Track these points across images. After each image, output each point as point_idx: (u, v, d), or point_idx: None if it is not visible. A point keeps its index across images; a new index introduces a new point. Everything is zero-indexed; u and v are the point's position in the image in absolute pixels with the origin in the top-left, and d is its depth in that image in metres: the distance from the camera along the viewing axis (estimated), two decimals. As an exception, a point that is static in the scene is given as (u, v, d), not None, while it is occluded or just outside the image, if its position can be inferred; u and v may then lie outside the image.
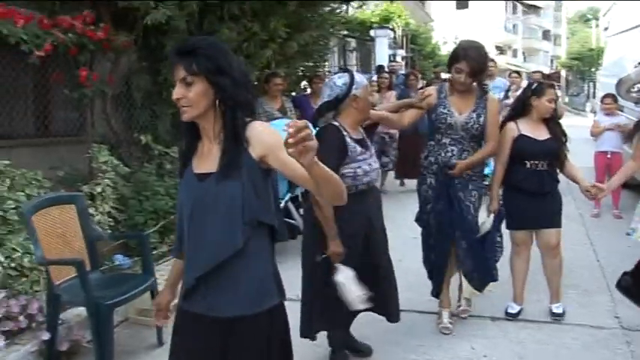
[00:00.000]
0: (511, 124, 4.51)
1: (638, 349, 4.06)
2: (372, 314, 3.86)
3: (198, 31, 6.20)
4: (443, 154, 4.21)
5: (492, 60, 13.32)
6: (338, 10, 9.10)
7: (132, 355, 4.13)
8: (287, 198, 5.88)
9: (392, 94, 9.44)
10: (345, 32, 18.30)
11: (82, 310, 4.24)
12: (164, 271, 4.95)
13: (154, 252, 5.41)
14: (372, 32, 18.92)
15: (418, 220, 4.48)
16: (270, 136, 2.05)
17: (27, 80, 5.88)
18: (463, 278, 4.52)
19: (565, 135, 4.55)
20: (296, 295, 4.82)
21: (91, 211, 5.10)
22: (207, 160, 2.13)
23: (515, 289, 4.73)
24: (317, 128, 3.65)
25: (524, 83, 9.74)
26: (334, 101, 3.57)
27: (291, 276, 5.28)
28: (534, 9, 68.33)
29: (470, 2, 57.28)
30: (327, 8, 8.46)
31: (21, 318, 3.96)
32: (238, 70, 2.11)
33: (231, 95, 2.06)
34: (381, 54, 18.56)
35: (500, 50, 60.95)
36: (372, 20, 20.39)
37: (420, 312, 4.74)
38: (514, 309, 4.68)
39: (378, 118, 4.24)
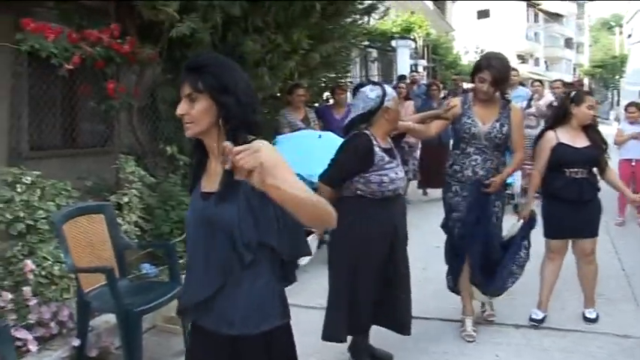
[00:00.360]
0: (550, 133, 4.57)
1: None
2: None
3: (222, 43, 6.30)
4: (467, 163, 4.33)
5: (514, 69, 13.32)
6: (360, 22, 9.16)
7: (159, 362, 4.21)
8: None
9: (410, 104, 9.48)
10: (367, 43, 18.40)
11: (110, 318, 4.32)
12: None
13: (180, 261, 5.49)
14: (393, 43, 18.96)
15: (444, 226, 4.57)
16: (264, 156, 1.94)
17: (56, 93, 6.00)
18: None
19: (605, 142, 4.59)
20: (319, 303, 4.91)
21: (119, 220, 5.19)
22: (213, 178, 2.11)
23: (541, 296, 4.74)
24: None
25: (547, 92, 9.77)
26: (367, 114, 3.76)
27: (315, 284, 5.40)
28: (556, 17, 67.92)
29: (491, 11, 57.35)
30: (349, 20, 8.53)
31: (52, 324, 4.06)
32: (245, 89, 2.10)
33: (235, 114, 2.05)
34: (403, 64, 18.60)
35: (522, 59, 60.65)
36: (394, 31, 20.45)
37: (444, 320, 4.78)
38: (538, 315, 4.68)
39: (405, 129, 4.36)
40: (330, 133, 6.38)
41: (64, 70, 5.18)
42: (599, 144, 4.56)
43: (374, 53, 19.13)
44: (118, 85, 5.74)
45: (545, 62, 66.42)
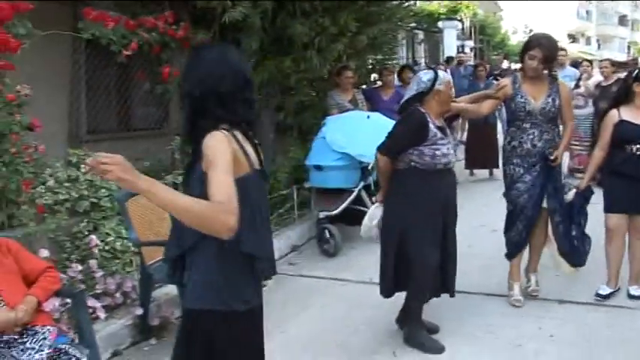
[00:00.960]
0: (613, 111, 4.68)
1: None
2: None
3: (272, 27, 6.48)
4: (525, 138, 4.57)
5: (563, 49, 13.20)
6: (406, 4, 9.23)
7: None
8: (360, 186, 6.11)
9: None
10: (413, 24, 18.38)
11: (170, 290, 4.58)
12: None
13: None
14: (439, 24, 18.90)
15: (506, 195, 4.79)
16: (208, 149, 2.04)
17: (112, 79, 6.29)
18: (556, 256, 4.69)
19: None
20: (369, 278, 5.11)
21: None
22: None
23: (609, 272, 4.82)
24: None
25: (596, 72, 9.68)
26: (418, 95, 4.08)
27: (363, 260, 5.60)
28: (610, -6, 66.07)
29: (541, -10, 56.10)
30: (395, 2, 8.62)
31: (117, 295, 4.35)
32: (200, 79, 2.17)
33: (187, 103, 2.20)
34: (450, 45, 18.56)
35: (573, 38, 59.33)
36: (440, 12, 20.38)
37: (488, 294, 4.90)
38: (605, 290, 4.77)
39: (458, 110, 4.62)
40: (378, 114, 6.51)
41: (122, 57, 5.44)
42: None
43: (420, 35, 19.12)
44: (172, 69, 5.98)
45: (598, 41, 64.78)
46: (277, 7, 6.40)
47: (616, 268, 4.80)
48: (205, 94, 2.15)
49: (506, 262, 4.83)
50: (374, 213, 4.28)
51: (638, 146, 4.55)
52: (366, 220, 4.31)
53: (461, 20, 20.46)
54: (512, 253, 4.79)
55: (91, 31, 5.16)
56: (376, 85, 8.36)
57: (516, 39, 39.34)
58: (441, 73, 4.24)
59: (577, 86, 9.33)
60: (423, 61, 17.62)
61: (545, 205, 4.61)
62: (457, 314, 4.47)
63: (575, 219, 4.60)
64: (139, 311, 4.27)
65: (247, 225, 2.10)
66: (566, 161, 9.26)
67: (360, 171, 6.06)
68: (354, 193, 6.04)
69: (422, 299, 4.14)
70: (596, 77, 9.16)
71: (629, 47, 65.98)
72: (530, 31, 45.28)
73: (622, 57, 59.75)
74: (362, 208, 6.06)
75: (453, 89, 4.17)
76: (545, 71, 4.61)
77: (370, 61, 8.40)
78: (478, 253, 5.63)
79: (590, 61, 10.35)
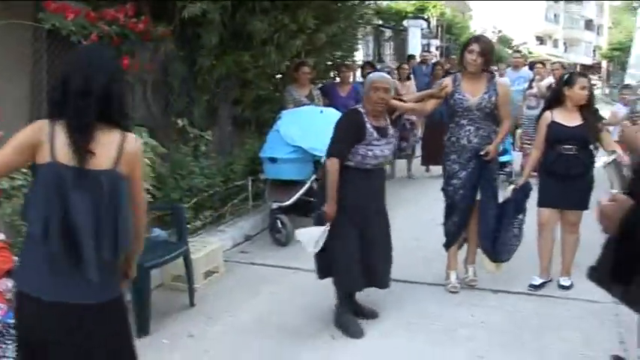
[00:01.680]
0: (546, 113, 4.98)
1: (625, 318, 4.37)
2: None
3: (231, 23, 6.65)
4: (462, 134, 4.83)
5: (518, 51, 13.58)
6: (367, 2, 9.44)
7: (166, 315, 4.61)
8: (312, 178, 6.32)
9: (411, 84, 9.88)
10: (380, 22, 18.63)
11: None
12: (197, 244, 5.45)
13: (189, 225, 5.92)
14: (405, 22, 19.18)
15: (443, 190, 5.03)
16: None
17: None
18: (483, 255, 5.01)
19: (599, 120, 4.93)
20: (311, 267, 5.31)
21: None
22: None
23: (540, 264, 5.12)
24: None
25: (548, 74, 10.03)
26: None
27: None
28: (577, -2, 67.22)
29: (510, -8, 56.78)
30: (355, 0, 8.82)
31: (70, 277, 4.49)
32: (66, 77, 2.32)
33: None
34: (414, 44, 18.84)
35: (541, 40, 60.29)
36: (408, 10, 20.66)
37: (429, 284, 5.16)
38: (536, 281, 5.06)
39: (403, 108, 4.75)
40: (331, 109, 6.69)
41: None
42: (591, 123, 4.88)
43: (388, 33, 19.38)
44: (132, 61, 6.12)
45: (565, 44, 65.86)
46: (237, 4, 6.55)
47: (547, 260, 5.09)
48: (55, 86, 2.38)
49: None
50: (321, 236, 4.18)
51: (566, 146, 4.82)
52: (308, 242, 4.24)
53: (427, 19, 20.76)
54: (448, 242, 5.09)
55: (51, 22, 5.29)
56: (335, 82, 8.56)
57: (485, 39, 39.90)
58: (373, 75, 4.52)
59: (530, 87, 9.68)
60: (388, 58, 17.87)
61: (478, 198, 4.88)
62: (397, 302, 4.72)
63: (509, 215, 4.84)
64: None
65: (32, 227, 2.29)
66: (518, 161, 9.63)
67: (312, 164, 6.27)
68: (307, 185, 6.25)
69: (344, 288, 4.32)
70: (548, 79, 9.49)
71: (594, 51, 67.30)
72: (499, 31, 45.96)
73: (588, 60, 61.07)
74: (314, 200, 6.30)
75: (385, 90, 4.24)
76: (484, 71, 4.86)
77: (329, 57, 8.57)
78: (423, 246, 5.89)
79: (544, 64, 10.68)
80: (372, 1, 9.81)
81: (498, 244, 4.89)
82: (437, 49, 21.74)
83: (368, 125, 4.19)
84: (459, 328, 4.35)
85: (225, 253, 5.83)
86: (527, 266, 5.17)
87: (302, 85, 7.27)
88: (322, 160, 6.15)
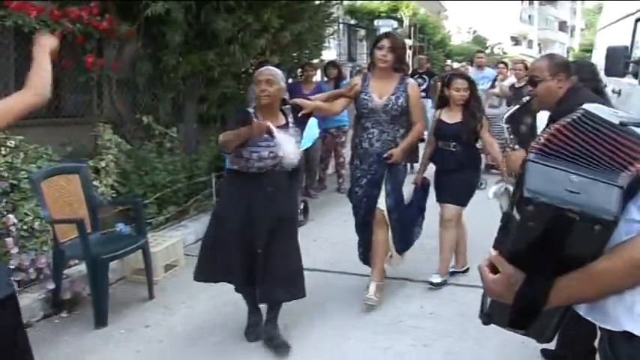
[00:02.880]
0: (437, 112, 5.21)
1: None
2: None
3: (196, 22, 6.77)
4: (365, 136, 4.62)
5: (481, 51, 13.82)
6: (333, 2, 9.58)
7: (125, 307, 4.73)
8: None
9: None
10: (353, 22, 18.82)
11: (82, 267, 4.83)
12: (159, 239, 5.58)
13: (152, 220, 6.04)
14: (375, 22, 19.37)
15: (349, 195, 4.91)
16: None
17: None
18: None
19: (478, 119, 5.01)
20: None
21: (96, 183, 5.72)
22: None
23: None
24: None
25: (511, 74, 10.27)
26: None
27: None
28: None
29: (485, -8, 57.25)
30: (322, 0, 8.97)
31: (31, 270, 4.59)
32: None
33: None
34: (386, 43, 18.99)
35: (516, 41, 60.91)
36: (381, 10, 20.86)
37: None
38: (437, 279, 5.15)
39: (311, 107, 4.22)
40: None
41: (46, 45, 5.65)
42: (468, 121, 5.01)
43: (362, 32, 19.58)
44: (96, 59, 6.23)
45: (539, 45, 66.58)
46: (201, 3, 6.67)
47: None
48: None
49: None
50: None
51: (445, 142, 5.02)
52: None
53: (400, 19, 20.97)
54: (365, 256, 4.97)
55: (13, 19, 5.38)
56: (299, 80, 8.70)
57: (459, 39, 40.29)
58: (264, 69, 4.00)
59: (492, 87, 9.92)
60: (362, 57, 18.04)
61: (383, 206, 4.64)
62: (348, 295, 4.89)
63: (415, 215, 4.95)
64: (51, 285, 4.52)
65: None
66: (483, 158, 9.84)
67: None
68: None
69: (195, 276, 4.14)
70: (511, 79, 9.72)
71: (568, 52, 68.07)
72: (474, 32, 46.46)
73: (561, 61, 61.72)
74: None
75: (267, 82, 3.82)
76: (398, 72, 4.63)
77: (294, 56, 8.70)
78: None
79: (506, 64, 10.93)
80: (338, 1, 9.91)
81: (406, 240, 4.91)
82: (410, 48, 21.95)
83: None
84: (407, 319, 4.52)
85: (188, 247, 5.95)
86: (475, 261, 5.34)
87: (267, 83, 7.39)
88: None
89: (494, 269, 1.58)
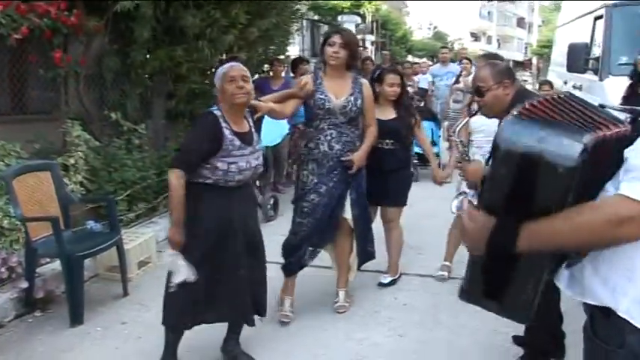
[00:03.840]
0: None
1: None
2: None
3: (165, 17, 6.74)
4: (322, 139, 4.28)
5: (445, 47, 14.02)
6: (299, -1, 9.65)
7: (101, 304, 4.71)
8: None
9: None
10: (317, 17, 18.88)
11: (55, 265, 4.81)
12: (132, 235, 5.56)
13: (123, 217, 6.00)
14: (339, 18, 19.49)
15: (296, 205, 4.47)
16: None
17: (4, 62, 6.36)
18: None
19: (413, 115, 4.98)
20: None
21: (65, 181, 5.65)
22: None
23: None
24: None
25: (474, 69, 10.45)
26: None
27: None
28: (509, -4, 69.16)
29: (445, -12, 57.91)
30: (288, -4, 9.01)
31: (2, 269, 4.51)
32: None
33: None
34: (349, 39, 19.13)
35: (475, 37, 61.73)
36: (344, 6, 20.97)
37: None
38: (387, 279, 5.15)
39: (264, 109, 3.93)
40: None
41: (12, 40, 5.58)
42: (404, 117, 4.89)
43: (325, 28, 19.64)
44: (64, 54, 6.16)
45: (498, 40, 67.63)
46: (169, -2, 6.66)
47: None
48: None
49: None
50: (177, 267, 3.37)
51: (380, 140, 4.67)
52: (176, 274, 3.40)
53: (363, 15, 21.12)
54: (292, 270, 4.50)
55: (-22, 14, 5.29)
56: (267, 76, 8.72)
57: (421, 34, 40.69)
58: (224, 66, 3.53)
59: (457, 82, 10.09)
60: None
61: (348, 215, 4.41)
62: (323, 288, 4.93)
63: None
64: (24, 284, 4.47)
65: None
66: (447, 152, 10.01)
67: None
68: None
69: (166, 323, 3.64)
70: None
71: (526, 48, 69.33)
72: (435, 28, 46.96)
73: (520, 56, 62.70)
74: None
75: (244, 79, 3.44)
76: (350, 70, 4.38)
77: (261, 52, 8.72)
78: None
79: (469, 59, 11.12)
80: (305, -1, 9.99)
81: (368, 252, 4.69)
82: (372, 44, 22.13)
83: (226, 131, 3.39)
84: (382, 310, 4.61)
85: (159, 244, 5.93)
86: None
87: (235, 79, 7.42)
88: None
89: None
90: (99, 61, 6.94)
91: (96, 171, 6.32)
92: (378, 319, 4.47)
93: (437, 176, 5.11)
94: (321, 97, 4.24)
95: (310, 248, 4.42)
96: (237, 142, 3.41)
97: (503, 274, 1.72)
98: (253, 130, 3.62)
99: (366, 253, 4.64)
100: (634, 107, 1.79)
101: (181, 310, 3.55)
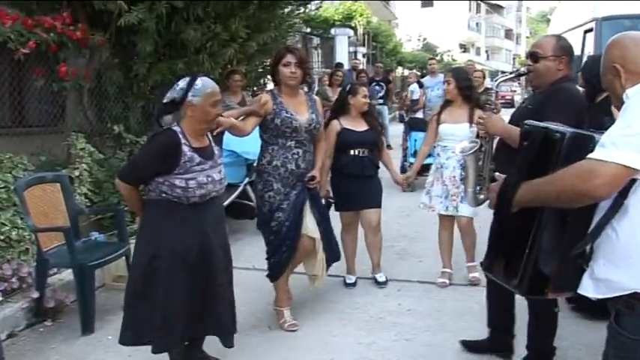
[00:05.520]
0: (334, 122, 5.23)
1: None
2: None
3: (167, 31, 6.85)
4: (290, 157, 4.32)
5: (433, 58, 14.20)
6: (297, 12, 9.78)
7: (109, 313, 4.77)
8: (246, 182, 6.59)
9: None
10: (308, 30, 19.00)
11: (64, 276, 4.91)
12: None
13: (127, 228, 6.07)
14: (332, 31, 19.64)
15: (264, 226, 4.48)
16: None
17: (5, 75, 6.43)
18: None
19: (381, 126, 5.35)
20: (252, 265, 5.60)
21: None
22: None
23: (347, 263, 5.41)
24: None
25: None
26: (170, 104, 3.45)
27: (248, 250, 6.09)
28: (497, 8, 69.84)
29: (434, 1, 58.41)
30: (287, 9, 9.14)
31: (13, 279, 4.59)
32: None
33: None
34: (341, 52, 19.32)
35: (464, 48, 62.19)
36: (335, 18, 21.14)
37: (360, 277, 5.51)
38: (351, 280, 5.40)
39: (226, 125, 3.94)
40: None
41: (19, 54, 5.67)
42: (376, 127, 5.40)
43: (316, 40, 19.80)
44: (69, 68, 6.25)
45: (486, 52, 68.21)
46: (172, 12, 6.75)
47: (352, 257, 5.46)
48: None
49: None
50: None
51: (358, 149, 5.16)
52: None
53: (354, 27, 21.29)
54: (274, 276, 4.56)
55: (-13, 29, 5.38)
56: (268, 89, 8.81)
57: (410, 46, 40.95)
58: (200, 81, 3.39)
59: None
60: (316, 66, 18.26)
61: (315, 235, 4.47)
62: (329, 295, 5.09)
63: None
64: (35, 294, 4.53)
65: None
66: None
67: (245, 167, 6.55)
68: (240, 188, 6.52)
69: (160, 349, 3.56)
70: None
71: (514, 59, 69.96)
72: (424, 39, 47.21)
73: (508, 67, 63.26)
74: (247, 202, 6.60)
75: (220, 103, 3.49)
76: (302, 87, 4.48)
77: (261, 65, 8.85)
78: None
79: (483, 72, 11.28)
80: (301, 11, 10.12)
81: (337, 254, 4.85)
82: (364, 56, 22.31)
83: (185, 148, 3.35)
84: (387, 316, 4.72)
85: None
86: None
87: (234, 92, 7.58)
88: (255, 163, 6.48)
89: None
90: (101, 75, 7.02)
91: (100, 183, 6.39)
92: (383, 324, 4.58)
93: (397, 179, 5.54)
94: (287, 115, 4.28)
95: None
96: (197, 159, 3.39)
97: (507, 231, 2.25)
98: (213, 144, 3.61)
99: (334, 253, 4.78)
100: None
101: (176, 333, 3.53)
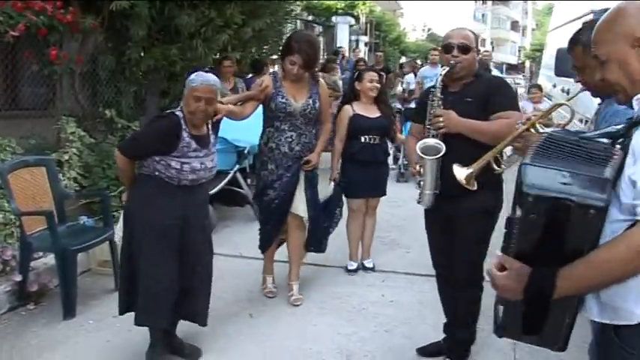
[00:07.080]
0: (347, 107, 5.30)
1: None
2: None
3: (161, 16, 6.82)
4: (283, 140, 4.48)
5: (435, 48, 14.13)
6: (294, -1, 9.76)
7: (93, 298, 4.79)
8: (236, 169, 6.58)
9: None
10: (311, 18, 18.96)
11: (49, 260, 4.90)
12: (123, 232, 5.63)
13: (115, 213, 6.06)
14: (333, 19, 19.58)
15: (256, 198, 4.90)
16: None
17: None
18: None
19: (394, 114, 5.41)
20: (239, 252, 5.60)
21: (59, 176, 5.73)
22: None
23: (351, 250, 5.50)
24: None
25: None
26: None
27: (236, 237, 6.08)
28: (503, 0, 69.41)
29: (440, -9, 58.00)
30: (282, -4, 9.11)
31: (-3, 263, 4.62)
32: None
33: None
34: (342, 40, 19.27)
35: (469, 39, 61.87)
36: (338, 7, 21.07)
37: (336, 267, 5.54)
38: (353, 266, 5.45)
39: (225, 112, 3.99)
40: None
41: (9, 37, 5.64)
42: (388, 115, 5.42)
43: (319, 28, 19.74)
44: (60, 51, 6.23)
45: (492, 43, 67.80)
46: (166, -2, 6.73)
47: (356, 245, 5.53)
48: None
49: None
50: None
51: (369, 136, 5.21)
52: None
53: (357, 16, 21.21)
54: (263, 247, 4.86)
55: (-24, 11, 5.35)
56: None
57: (414, 36, 40.80)
58: (196, 75, 3.57)
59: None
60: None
61: (304, 213, 4.64)
62: (312, 285, 5.08)
63: (331, 211, 5.04)
64: (18, 277, 4.53)
65: None
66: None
67: (235, 154, 6.53)
68: (230, 175, 6.50)
69: (152, 324, 3.72)
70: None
71: (519, 51, 69.67)
72: (429, 29, 47.05)
73: (513, 59, 63.09)
74: (237, 189, 6.59)
75: (208, 101, 3.52)
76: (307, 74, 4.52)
77: (257, 51, 8.82)
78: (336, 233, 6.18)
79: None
80: (299, -1, 10.09)
81: (322, 242, 5.00)
82: (366, 45, 22.24)
83: (185, 134, 3.53)
84: (369, 307, 4.71)
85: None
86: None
87: (225, 78, 7.53)
88: (245, 150, 6.48)
89: (502, 269, 1.73)
90: (94, 59, 7.01)
91: (90, 167, 6.39)
92: (365, 315, 4.57)
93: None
94: (282, 100, 4.44)
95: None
96: (194, 145, 3.57)
97: (542, 313, 1.75)
98: (211, 133, 3.76)
99: (317, 242, 4.91)
100: (608, 131, 1.83)
101: (162, 309, 3.65)
